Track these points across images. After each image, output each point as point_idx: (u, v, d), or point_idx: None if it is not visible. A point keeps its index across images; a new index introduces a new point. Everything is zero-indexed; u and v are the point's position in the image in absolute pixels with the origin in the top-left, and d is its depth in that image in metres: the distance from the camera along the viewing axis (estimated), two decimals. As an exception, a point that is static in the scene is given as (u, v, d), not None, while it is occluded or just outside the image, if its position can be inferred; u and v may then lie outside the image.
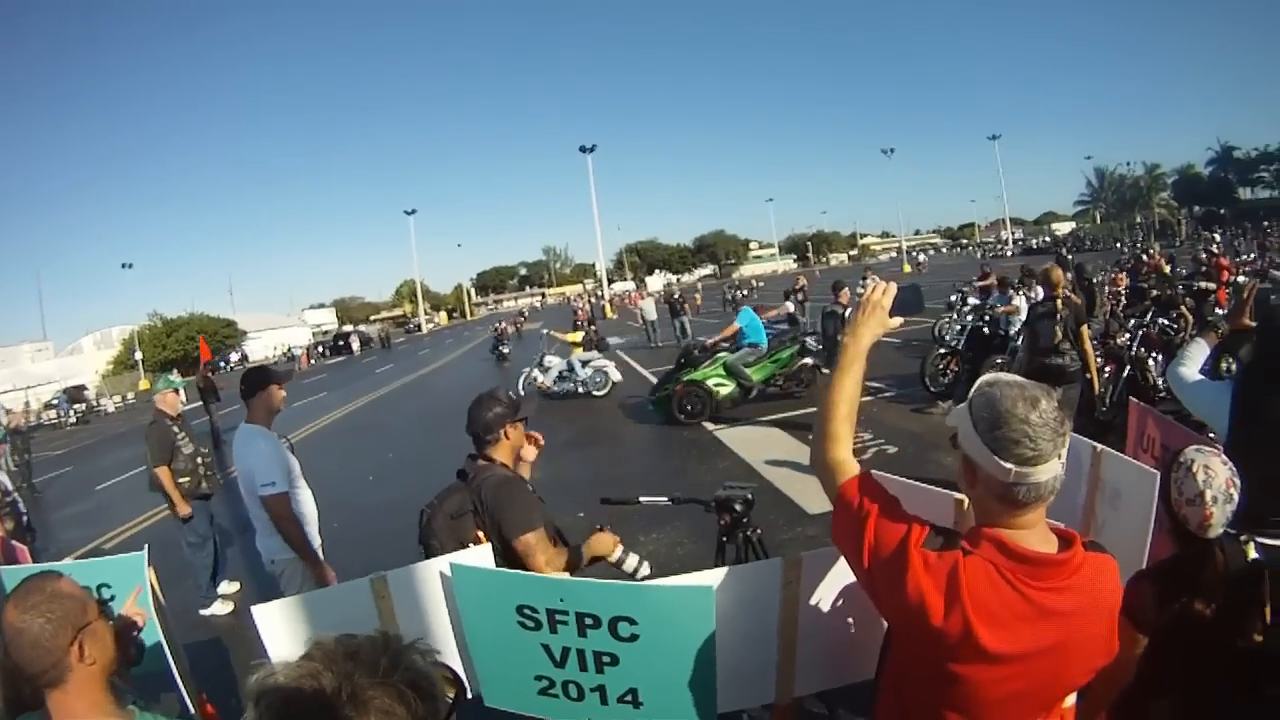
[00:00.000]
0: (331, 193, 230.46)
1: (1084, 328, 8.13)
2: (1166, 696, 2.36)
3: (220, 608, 7.59)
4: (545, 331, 22.00)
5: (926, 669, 1.79)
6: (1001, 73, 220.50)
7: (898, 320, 2.16)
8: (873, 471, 1.99)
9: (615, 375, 17.95)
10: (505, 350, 31.54)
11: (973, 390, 1.80)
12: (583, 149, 67.01)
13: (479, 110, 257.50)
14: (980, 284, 19.29)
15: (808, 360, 13.71)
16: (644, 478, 10.51)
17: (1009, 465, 1.65)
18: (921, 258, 78.92)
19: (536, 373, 18.51)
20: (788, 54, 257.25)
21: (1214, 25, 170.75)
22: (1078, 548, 1.75)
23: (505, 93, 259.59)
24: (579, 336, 20.51)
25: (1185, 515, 2.38)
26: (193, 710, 3.31)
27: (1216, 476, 2.35)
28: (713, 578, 2.36)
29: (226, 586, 7.97)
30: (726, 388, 13.21)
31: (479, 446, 3.53)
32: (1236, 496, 2.36)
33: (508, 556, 3.17)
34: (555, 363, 18.49)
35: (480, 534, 3.23)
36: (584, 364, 18.18)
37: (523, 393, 16.46)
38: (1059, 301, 8.12)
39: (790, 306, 23.23)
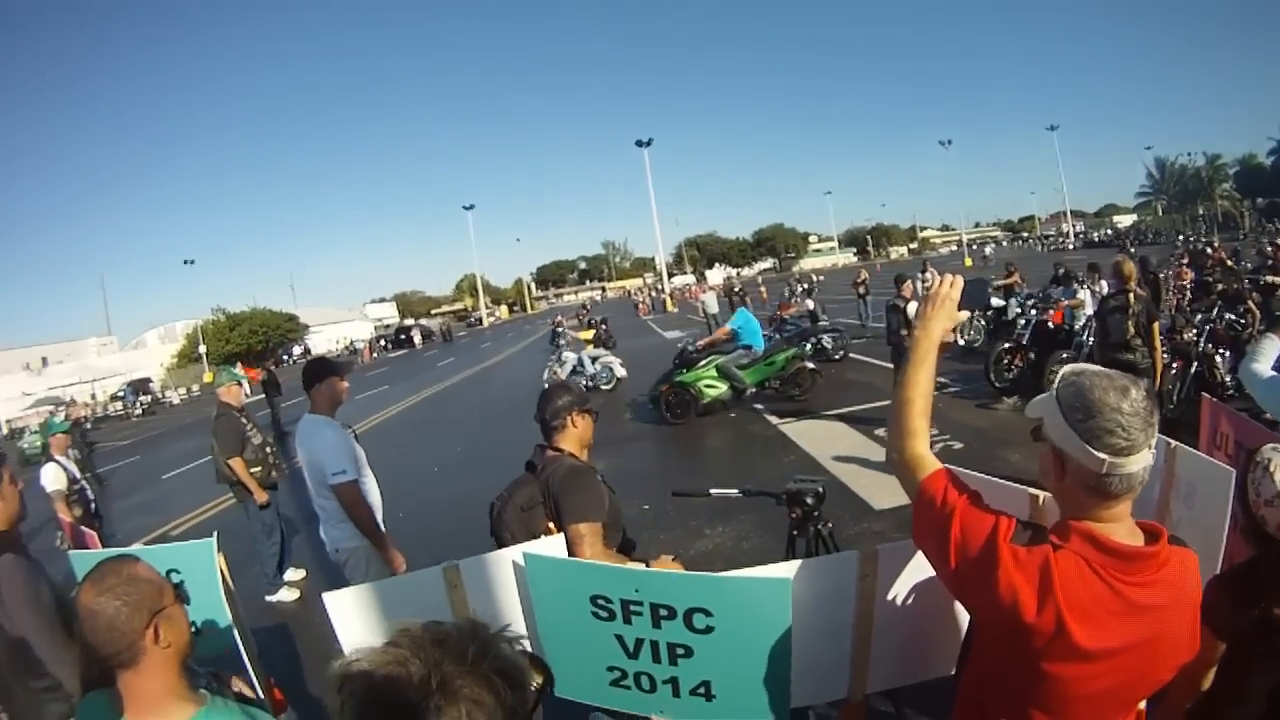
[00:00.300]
0: (392, 188, 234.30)
1: (1155, 324, 7.95)
2: (1244, 703, 2.29)
3: (286, 594, 7.74)
4: (562, 329, 22.55)
5: (1014, 666, 1.75)
6: (1059, 63, 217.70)
7: (965, 313, 2.17)
8: (947, 466, 1.96)
9: (620, 371, 18.64)
10: (563, 343, 32.21)
11: (1058, 381, 1.77)
12: (639, 143, 66.05)
13: (537, 105, 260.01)
14: (1003, 283, 18.82)
15: (807, 365, 13.79)
16: (709, 471, 10.47)
17: (1103, 456, 1.63)
18: (988, 250, 77.13)
19: (556, 367, 19.11)
20: (845, 48, 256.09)
21: (1275, 11, 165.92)
22: (1164, 541, 1.72)
23: (563, 88, 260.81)
24: (590, 334, 20.94)
25: (1263, 516, 2.30)
26: (261, 695, 3.35)
27: None
28: (789, 570, 2.33)
29: (292, 574, 8.10)
30: (717, 389, 13.50)
31: (547, 436, 3.52)
32: None
33: None
34: (570, 358, 19.19)
35: (551, 525, 3.22)
36: (593, 360, 18.93)
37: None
38: (1131, 296, 7.94)
39: (810, 304, 23.46)
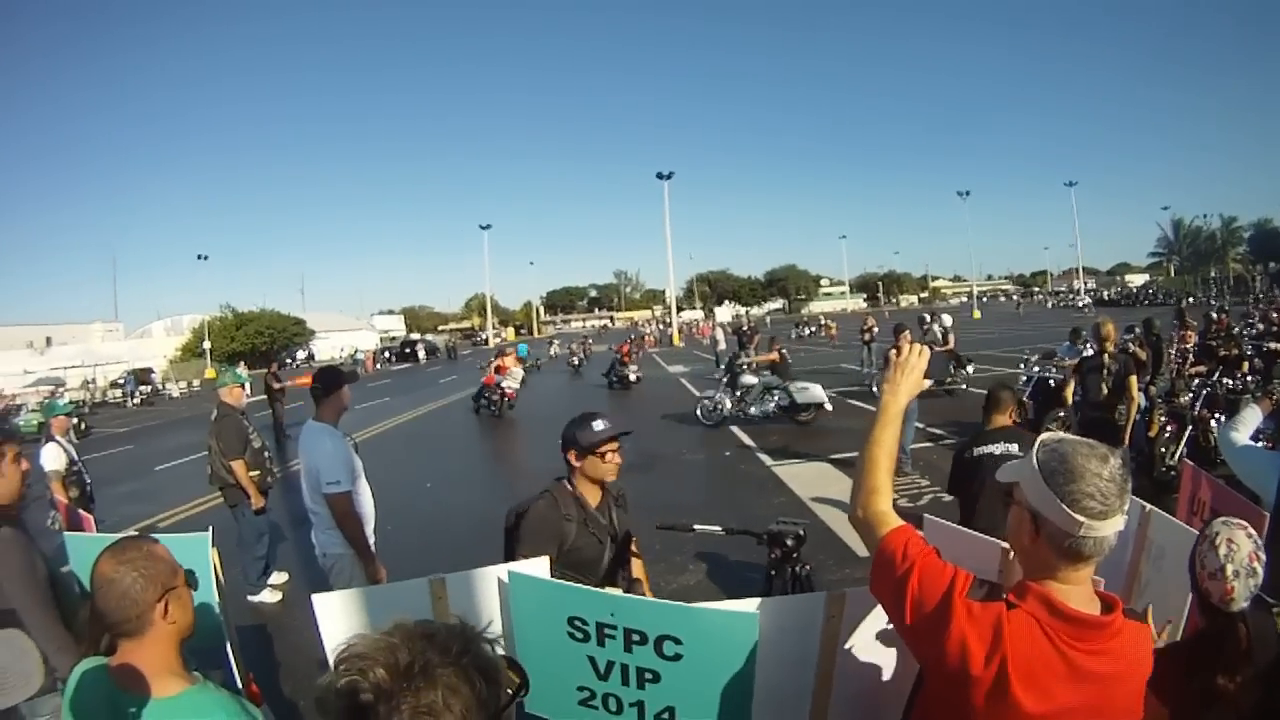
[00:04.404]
0: (410, 201, 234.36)
1: (1131, 378, 8.25)
2: None
3: (268, 596, 7.81)
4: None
5: (956, 718, 1.82)
6: (1080, 119, 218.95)
7: (929, 381, 2.25)
8: (927, 516, 2.04)
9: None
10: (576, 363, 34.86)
11: (1036, 447, 1.85)
12: (660, 175, 66.13)
13: (561, 130, 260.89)
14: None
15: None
16: (700, 507, 10.43)
17: (1081, 519, 1.71)
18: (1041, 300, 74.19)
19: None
20: (868, 94, 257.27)
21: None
22: (1119, 612, 1.80)
23: (588, 115, 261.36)
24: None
25: (1207, 589, 2.34)
26: (240, 688, 3.44)
27: (1239, 550, 2.30)
28: (757, 605, 2.40)
29: (276, 577, 8.15)
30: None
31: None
32: (1261, 571, 2.33)
33: None
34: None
35: None
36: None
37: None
38: (1106, 355, 8.33)
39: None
